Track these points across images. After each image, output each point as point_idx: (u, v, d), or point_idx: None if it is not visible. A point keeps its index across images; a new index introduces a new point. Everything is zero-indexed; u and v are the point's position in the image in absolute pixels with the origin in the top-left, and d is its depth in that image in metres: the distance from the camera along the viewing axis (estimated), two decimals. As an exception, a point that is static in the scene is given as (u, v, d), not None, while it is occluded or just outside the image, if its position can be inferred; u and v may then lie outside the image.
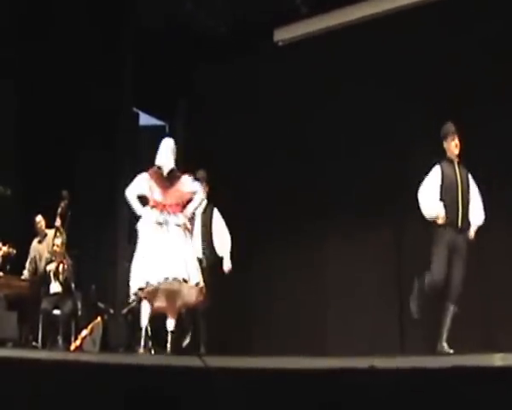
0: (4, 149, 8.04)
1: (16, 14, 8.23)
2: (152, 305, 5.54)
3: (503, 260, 6.65)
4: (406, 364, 3.05)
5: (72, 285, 7.31)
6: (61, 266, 7.25)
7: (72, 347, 7.08)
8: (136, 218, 5.67)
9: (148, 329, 5.74)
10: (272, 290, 8.21)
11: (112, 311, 7.77)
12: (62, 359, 4.62)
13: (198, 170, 6.80)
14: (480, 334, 6.44)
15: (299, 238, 8.04)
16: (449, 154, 5.72)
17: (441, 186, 5.61)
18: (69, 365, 4.08)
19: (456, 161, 5.70)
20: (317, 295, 7.86)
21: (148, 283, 5.35)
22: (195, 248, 6.48)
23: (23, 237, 7.69)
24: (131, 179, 5.92)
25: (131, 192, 5.64)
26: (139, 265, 5.45)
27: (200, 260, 6.36)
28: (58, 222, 7.24)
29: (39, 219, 7.60)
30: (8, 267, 7.37)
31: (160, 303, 5.57)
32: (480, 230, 5.64)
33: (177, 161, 5.84)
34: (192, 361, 3.57)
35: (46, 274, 7.34)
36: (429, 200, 5.58)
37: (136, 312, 6.38)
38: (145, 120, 9.85)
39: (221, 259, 6.66)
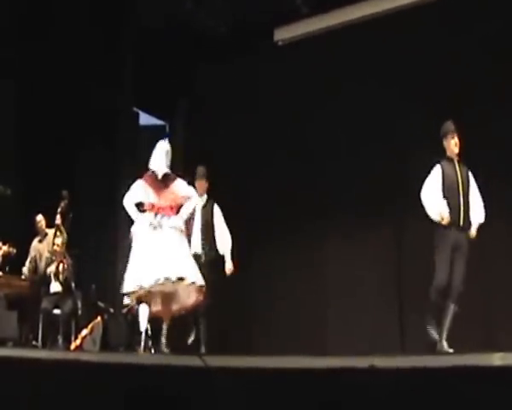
0: (4, 148, 8.04)
1: (16, 14, 8.23)
2: (150, 308, 5.56)
3: (503, 260, 6.66)
4: (406, 363, 3.05)
5: (73, 285, 7.32)
6: (61, 265, 7.26)
7: (73, 346, 7.09)
8: (133, 223, 5.73)
9: (149, 329, 5.75)
10: (272, 290, 8.21)
11: (112, 310, 7.77)
12: (62, 358, 4.63)
13: (198, 166, 6.81)
14: (480, 333, 6.45)
15: (300, 238, 8.04)
16: (449, 152, 5.73)
17: (442, 185, 5.62)
18: (69, 364, 4.09)
19: (456, 159, 5.70)
20: (317, 295, 7.86)
21: (140, 286, 5.39)
22: (195, 243, 6.50)
23: (23, 236, 7.69)
24: (132, 179, 5.96)
25: (128, 200, 5.72)
26: (132, 268, 5.48)
27: (199, 256, 6.40)
28: (58, 220, 7.24)
29: (40, 218, 7.61)
30: (7, 267, 7.37)
31: (157, 307, 5.60)
32: (480, 229, 5.64)
33: (173, 162, 5.86)
34: (192, 361, 3.58)
35: (46, 274, 7.35)
36: (433, 201, 5.59)
37: (135, 311, 6.39)
38: (145, 119, 9.86)
39: (221, 256, 6.66)
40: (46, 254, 7.45)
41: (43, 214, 7.59)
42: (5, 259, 7.31)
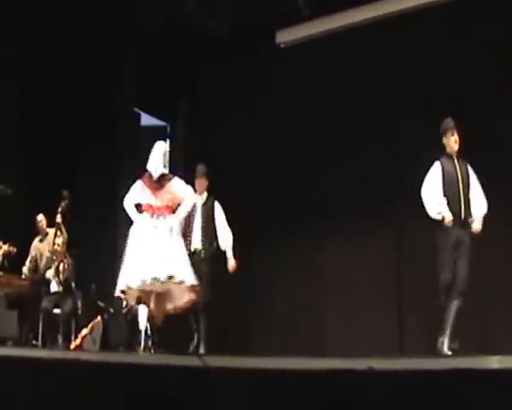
0: (6, 148, 8.05)
1: (18, 15, 8.24)
2: (148, 307, 5.59)
3: (502, 260, 6.67)
4: (404, 365, 3.06)
5: (73, 284, 7.34)
6: (61, 265, 7.28)
7: (73, 346, 7.09)
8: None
9: (148, 329, 5.77)
10: (272, 290, 8.23)
11: (112, 310, 7.78)
12: (62, 358, 4.63)
13: (198, 164, 6.83)
14: (478, 333, 6.44)
15: (300, 238, 8.05)
16: (448, 149, 5.77)
17: (442, 181, 5.65)
18: (69, 364, 4.10)
19: (455, 155, 5.74)
20: (317, 296, 7.88)
21: (127, 286, 5.47)
22: (196, 240, 6.51)
23: (24, 235, 7.70)
24: (132, 180, 6.01)
25: (128, 201, 5.82)
26: (123, 268, 5.53)
27: (200, 252, 6.41)
28: (59, 220, 7.25)
29: (40, 218, 7.62)
30: (8, 266, 7.38)
31: (152, 306, 5.63)
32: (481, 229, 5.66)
33: (174, 162, 5.89)
34: (192, 361, 3.59)
35: (46, 274, 7.35)
36: (433, 199, 5.62)
37: (135, 311, 6.41)
38: (146, 120, 9.87)
39: (222, 252, 6.68)
40: (47, 254, 7.46)
41: (44, 214, 7.60)
42: (5, 258, 7.32)
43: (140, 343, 5.62)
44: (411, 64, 7.49)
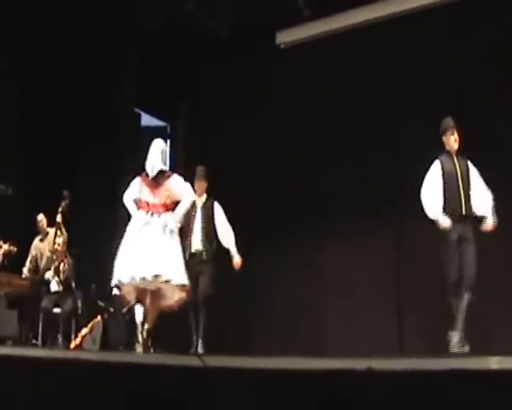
0: (6, 148, 8.06)
1: (19, 15, 8.25)
2: (144, 304, 5.61)
3: (502, 261, 6.66)
4: (403, 366, 3.07)
5: (73, 284, 7.35)
6: (61, 265, 7.29)
7: (72, 345, 7.10)
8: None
9: (145, 327, 5.78)
10: (272, 290, 8.24)
11: (112, 309, 7.79)
12: (62, 357, 4.63)
13: (197, 166, 6.84)
14: (479, 333, 6.44)
15: (300, 238, 8.06)
16: (448, 148, 5.80)
17: (442, 179, 5.68)
18: (69, 363, 4.10)
19: (454, 153, 5.77)
20: (317, 296, 7.88)
21: (120, 281, 5.50)
22: (196, 242, 6.52)
23: (24, 235, 7.71)
24: (132, 179, 6.01)
25: (127, 197, 5.81)
26: (116, 264, 5.56)
27: (200, 253, 6.41)
28: (59, 219, 7.25)
29: (41, 217, 7.63)
30: (8, 266, 7.39)
31: (148, 303, 5.65)
32: (480, 229, 5.67)
33: (174, 163, 5.89)
34: (191, 361, 3.60)
35: (47, 273, 7.37)
36: (431, 201, 5.63)
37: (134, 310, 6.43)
38: (147, 120, 9.88)
39: (221, 252, 6.69)
40: (47, 254, 7.47)
41: (44, 214, 7.61)
42: (6, 258, 7.32)
43: (138, 341, 5.62)
44: (411, 65, 7.50)
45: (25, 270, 7.59)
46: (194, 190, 6.56)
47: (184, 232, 6.52)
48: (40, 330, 7.15)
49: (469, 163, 5.79)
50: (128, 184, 5.96)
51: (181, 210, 5.79)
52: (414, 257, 6.98)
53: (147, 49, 8.90)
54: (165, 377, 3.50)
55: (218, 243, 6.70)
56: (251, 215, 8.13)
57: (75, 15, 8.39)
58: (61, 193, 7.19)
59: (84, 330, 7.31)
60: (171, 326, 7.94)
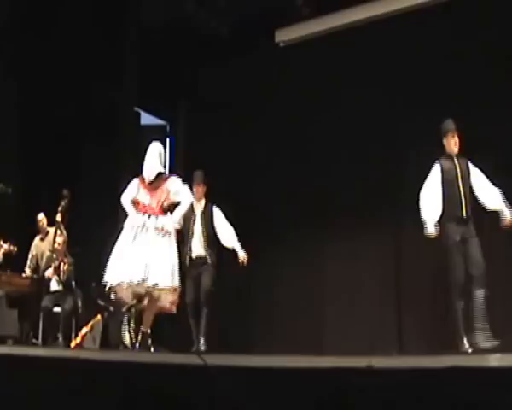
0: (7, 147, 8.05)
1: (19, 14, 8.25)
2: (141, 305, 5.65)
3: (502, 261, 6.66)
4: (403, 364, 3.07)
5: (73, 283, 7.35)
6: (62, 264, 7.29)
7: (73, 344, 7.10)
8: None
9: (131, 319, 5.82)
10: (272, 290, 8.24)
11: (112, 309, 7.78)
12: (62, 356, 4.64)
13: (195, 171, 6.84)
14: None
15: (300, 239, 8.05)
16: (448, 150, 5.81)
17: (442, 182, 5.69)
18: (69, 362, 4.10)
19: (455, 156, 5.77)
20: (317, 295, 7.89)
21: (108, 283, 5.59)
22: (196, 247, 6.53)
23: (24, 234, 7.71)
24: (132, 178, 6.02)
25: (125, 198, 5.84)
26: (108, 264, 5.62)
27: (204, 258, 6.40)
28: (59, 218, 7.26)
29: (41, 217, 7.63)
30: (8, 265, 7.39)
31: (145, 304, 5.71)
32: (480, 230, 5.66)
33: (173, 162, 5.90)
34: (192, 359, 3.60)
35: (47, 273, 7.37)
36: (428, 208, 5.66)
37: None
38: (146, 119, 9.87)
39: (223, 252, 6.70)
40: (47, 253, 7.48)
41: (45, 213, 7.61)
42: (6, 257, 7.32)
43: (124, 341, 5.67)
44: (412, 63, 7.48)
45: (27, 269, 7.59)
46: (193, 195, 6.56)
47: (183, 237, 6.53)
48: (40, 329, 7.16)
49: (470, 164, 5.78)
50: (127, 184, 5.97)
51: (179, 213, 5.80)
52: (414, 256, 6.98)
53: (146, 48, 8.89)
54: (166, 376, 3.51)
55: (219, 245, 6.71)
56: (250, 214, 8.13)
57: (75, 14, 8.39)
58: (61, 192, 7.19)
59: (85, 330, 7.31)
60: (171, 325, 7.98)
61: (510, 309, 6.34)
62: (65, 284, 7.32)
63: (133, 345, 5.75)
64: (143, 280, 5.44)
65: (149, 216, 5.64)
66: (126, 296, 5.71)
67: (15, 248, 7.34)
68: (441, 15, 7.28)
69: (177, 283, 5.57)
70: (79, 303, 7.37)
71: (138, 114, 9.73)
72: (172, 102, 9.65)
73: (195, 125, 9.58)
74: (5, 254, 7.29)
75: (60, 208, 7.20)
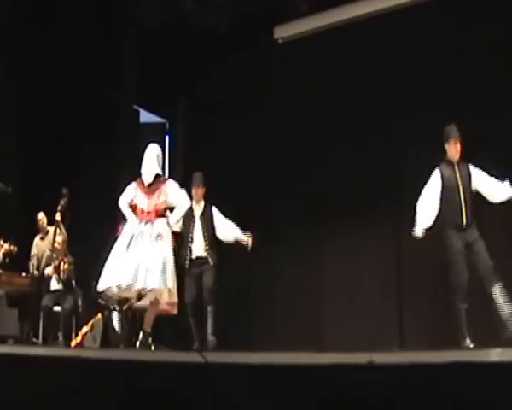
0: (6, 146, 8.05)
1: (19, 14, 8.24)
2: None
3: (501, 261, 6.65)
4: (404, 359, 3.07)
5: (73, 282, 7.35)
6: (62, 264, 7.30)
7: (73, 343, 7.10)
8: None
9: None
10: (273, 287, 8.25)
11: (112, 307, 7.78)
12: (63, 355, 4.64)
13: (194, 173, 6.83)
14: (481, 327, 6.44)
15: (300, 236, 8.06)
16: (449, 156, 5.72)
17: (441, 191, 5.64)
18: (70, 361, 4.11)
19: (455, 162, 5.69)
20: (318, 292, 7.89)
21: (105, 287, 5.64)
22: (197, 248, 6.52)
23: (24, 234, 7.71)
24: (132, 176, 6.03)
25: (122, 201, 5.88)
26: (104, 270, 5.67)
27: (205, 258, 6.42)
28: (58, 217, 7.26)
29: (41, 216, 7.63)
30: (8, 265, 7.39)
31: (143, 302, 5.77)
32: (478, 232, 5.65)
33: (173, 160, 5.91)
34: (192, 357, 3.60)
35: (47, 272, 7.38)
36: (424, 215, 5.65)
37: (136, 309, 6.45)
38: (145, 117, 9.86)
39: (224, 251, 6.70)
40: (47, 252, 7.48)
41: (44, 212, 7.61)
42: (6, 257, 7.32)
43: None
44: (412, 60, 7.46)
45: (31, 267, 7.59)
46: (192, 197, 6.55)
47: (183, 240, 6.54)
48: (41, 328, 7.16)
49: (471, 168, 5.70)
50: (127, 184, 5.99)
51: (175, 216, 5.84)
52: (413, 253, 6.96)
53: (145, 47, 8.89)
54: (167, 375, 3.51)
55: (220, 246, 6.70)
56: (250, 212, 8.10)
57: (74, 13, 8.38)
58: (61, 191, 7.19)
59: (85, 329, 7.31)
60: (171, 324, 7.98)
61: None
62: (65, 283, 7.32)
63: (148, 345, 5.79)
64: (130, 285, 5.50)
65: (146, 223, 5.67)
66: (115, 300, 5.79)
67: (15, 248, 7.34)
68: (440, 11, 7.26)
69: (168, 283, 5.57)
70: (80, 302, 7.37)
71: (137, 112, 9.72)
72: (171, 99, 9.64)
73: (195, 123, 9.57)
74: (5, 254, 7.29)
75: (59, 207, 7.20)
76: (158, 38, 8.84)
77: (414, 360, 3.06)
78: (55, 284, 7.35)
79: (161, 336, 7.02)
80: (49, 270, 7.34)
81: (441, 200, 5.65)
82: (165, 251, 5.65)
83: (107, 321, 7.61)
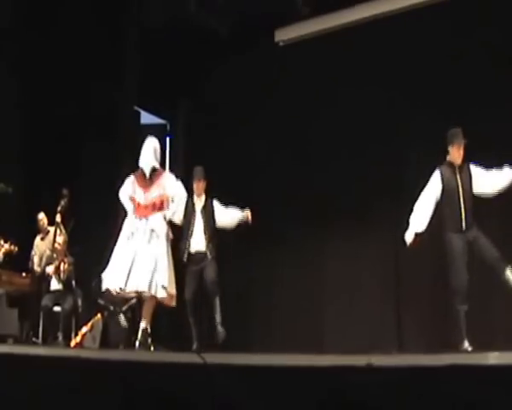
0: (8, 146, 8.06)
1: (21, 14, 8.26)
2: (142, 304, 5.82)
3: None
4: (403, 362, 3.08)
5: (73, 282, 7.37)
6: (62, 264, 7.31)
7: (73, 343, 7.11)
8: None
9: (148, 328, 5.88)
10: (272, 288, 8.26)
11: (112, 308, 7.80)
12: (62, 355, 4.65)
13: (195, 166, 6.85)
14: (479, 331, 6.45)
15: (300, 238, 8.07)
16: (451, 158, 5.69)
17: (442, 192, 5.62)
18: (69, 361, 4.11)
19: (457, 166, 5.66)
20: (317, 294, 7.90)
21: (107, 289, 5.76)
22: (196, 243, 6.53)
23: (25, 234, 7.72)
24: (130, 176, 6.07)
25: (122, 194, 5.98)
26: (107, 269, 5.76)
27: (204, 253, 6.41)
28: (58, 218, 7.27)
29: (41, 216, 7.64)
30: (9, 264, 7.41)
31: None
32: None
33: (173, 161, 5.95)
34: (191, 358, 3.61)
35: (47, 272, 7.39)
36: (418, 218, 5.64)
37: (136, 309, 6.46)
38: (146, 118, 9.88)
39: (224, 251, 6.71)
40: (48, 252, 7.49)
41: (45, 212, 7.62)
42: (6, 256, 7.34)
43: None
44: (412, 63, 7.48)
45: (35, 268, 7.59)
46: (193, 191, 6.57)
47: (183, 233, 6.54)
48: (40, 328, 7.17)
49: (472, 169, 5.67)
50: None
51: (171, 210, 5.85)
52: (413, 256, 6.97)
53: (147, 48, 8.90)
54: (166, 375, 3.52)
55: (219, 241, 6.71)
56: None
57: (76, 13, 8.40)
58: (61, 191, 7.20)
59: (85, 329, 7.32)
60: (170, 325, 7.99)
61: (509, 308, 6.33)
62: (65, 283, 7.34)
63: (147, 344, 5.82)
64: (123, 290, 5.62)
65: (141, 219, 5.70)
66: (119, 300, 5.87)
67: (16, 248, 7.35)
68: (440, 14, 7.28)
69: (158, 289, 5.66)
70: (79, 302, 7.39)
71: (138, 113, 9.73)
72: (172, 101, 9.65)
73: (195, 125, 9.59)
74: (6, 254, 7.30)
75: (59, 208, 7.21)
76: (159, 39, 8.85)
77: (412, 362, 3.07)
78: (55, 284, 7.37)
79: (160, 336, 7.03)
80: (50, 268, 7.35)
81: (441, 202, 5.63)
82: (158, 249, 5.69)
83: (107, 321, 7.62)
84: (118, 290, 5.66)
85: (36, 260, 7.60)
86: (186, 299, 6.44)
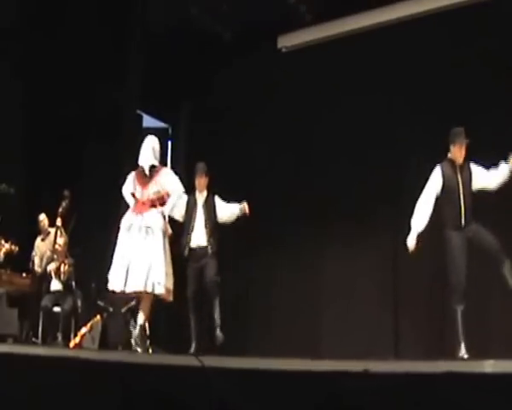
0: (10, 147, 8.08)
1: (25, 14, 8.28)
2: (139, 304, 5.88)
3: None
4: (399, 368, 3.10)
5: (73, 283, 7.38)
6: (62, 265, 7.33)
7: (72, 344, 7.13)
8: None
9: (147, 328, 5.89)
10: (270, 292, 8.27)
11: (111, 309, 7.81)
12: (62, 355, 4.65)
13: (197, 162, 6.87)
14: (475, 336, 6.45)
15: (299, 242, 8.08)
16: (452, 157, 5.69)
17: (442, 189, 5.63)
18: (68, 361, 4.13)
19: (458, 165, 5.67)
20: (315, 299, 7.91)
21: (112, 290, 5.80)
22: (197, 237, 6.53)
23: (26, 234, 7.74)
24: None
25: (124, 191, 6.05)
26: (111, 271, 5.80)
27: (205, 248, 6.44)
28: (59, 222, 7.30)
29: (42, 217, 7.66)
30: (9, 264, 7.43)
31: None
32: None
33: (175, 165, 5.99)
34: (189, 361, 3.63)
35: (47, 272, 7.41)
36: (418, 219, 5.66)
37: (135, 310, 6.48)
38: (149, 122, 9.89)
39: (224, 250, 6.73)
40: (48, 254, 7.51)
41: (46, 213, 7.64)
42: (7, 256, 7.36)
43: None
44: (412, 70, 7.52)
45: (36, 268, 7.61)
46: (195, 187, 6.61)
47: (183, 228, 6.55)
48: (40, 328, 7.19)
49: (472, 168, 5.67)
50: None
51: (169, 206, 5.89)
52: (411, 261, 6.99)
53: (150, 51, 8.92)
54: (164, 377, 3.53)
55: (221, 236, 6.71)
56: (250, 218, 8.14)
57: (80, 16, 8.42)
58: (62, 193, 7.23)
59: (84, 329, 7.33)
60: (169, 327, 8.00)
61: (508, 310, 6.34)
62: (65, 284, 7.36)
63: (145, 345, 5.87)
64: (123, 291, 5.67)
65: (137, 215, 5.75)
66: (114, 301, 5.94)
67: (16, 248, 7.38)
68: (441, 23, 7.32)
69: (155, 286, 5.68)
70: (79, 303, 7.41)
71: (140, 117, 9.75)
72: (175, 105, 9.67)
73: (197, 129, 9.61)
74: (6, 254, 7.32)
75: (60, 210, 7.24)
76: (163, 43, 8.88)
77: (409, 369, 3.07)
78: (55, 285, 7.38)
79: (158, 338, 7.05)
80: (51, 267, 7.36)
81: (441, 199, 5.64)
82: (153, 246, 5.72)
83: (106, 323, 7.64)
84: (119, 292, 5.68)
85: (36, 260, 7.62)
86: (188, 297, 6.45)
